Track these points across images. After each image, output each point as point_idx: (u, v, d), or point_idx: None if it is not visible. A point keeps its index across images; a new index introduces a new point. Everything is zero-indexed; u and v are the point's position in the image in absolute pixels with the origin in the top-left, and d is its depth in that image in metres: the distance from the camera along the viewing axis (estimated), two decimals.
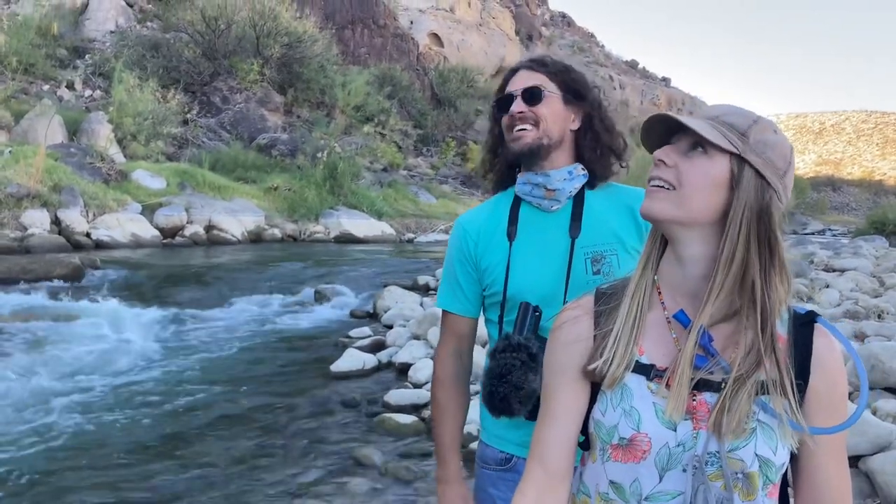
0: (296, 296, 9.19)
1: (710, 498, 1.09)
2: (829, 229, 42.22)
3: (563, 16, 61.92)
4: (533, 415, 1.49)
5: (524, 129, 1.64)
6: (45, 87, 19.20)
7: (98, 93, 19.88)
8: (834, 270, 9.73)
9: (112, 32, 22.84)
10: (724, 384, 1.10)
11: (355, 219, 16.96)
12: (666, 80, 57.73)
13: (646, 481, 1.14)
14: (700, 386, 1.11)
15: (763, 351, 1.09)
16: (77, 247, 11.89)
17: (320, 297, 9.05)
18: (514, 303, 1.64)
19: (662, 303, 1.19)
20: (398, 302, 7.95)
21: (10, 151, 13.58)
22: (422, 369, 5.37)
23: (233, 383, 5.58)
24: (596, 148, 1.69)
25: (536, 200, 1.68)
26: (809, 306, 6.62)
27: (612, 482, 1.17)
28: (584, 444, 1.24)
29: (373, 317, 8.08)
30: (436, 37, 36.27)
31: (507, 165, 1.73)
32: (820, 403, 1.13)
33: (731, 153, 1.09)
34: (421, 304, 7.90)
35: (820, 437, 1.11)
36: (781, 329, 1.14)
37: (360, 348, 6.32)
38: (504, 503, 1.69)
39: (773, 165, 1.12)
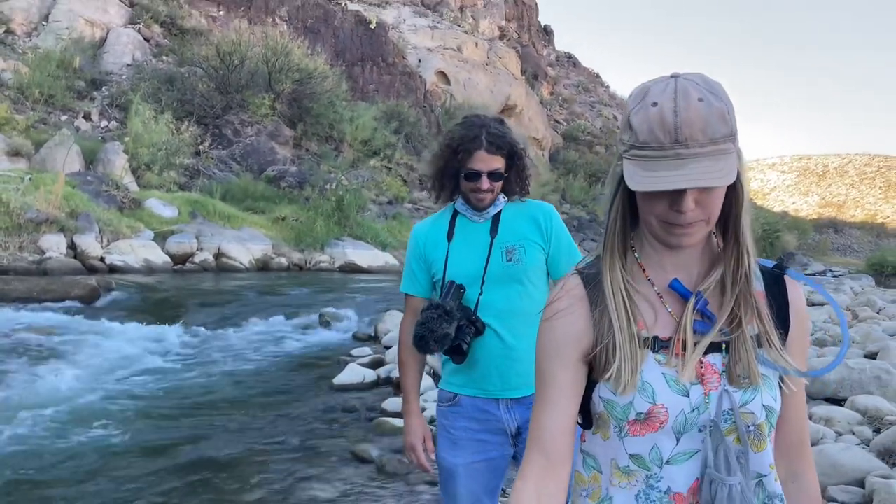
0: (301, 319, 9.62)
1: (730, 455, 1.14)
2: (830, 270, 42.48)
3: (569, 56, 62.78)
4: (451, 353, 2.26)
5: (486, 195, 2.31)
6: (64, 118, 19.84)
7: (114, 123, 20.52)
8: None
9: (129, 66, 23.54)
10: (725, 343, 1.17)
11: (360, 249, 17.40)
12: None
13: (665, 446, 1.18)
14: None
15: (754, 309, 1.18)
16: (91, 270, 12.34)
17: (324, 321, 9.49)
18: (451, 281, 2.35)
19: (649, 279, 1.23)
20: (399, 325, 8.38)
21: (30, 178, 14.14)
22: None
23: (239, 393, 6.01)
24: (514, 185, 2.39)
25: (470, 215, 2.39)
26: None
27: (631, 455, 1.20)
28: (585, 422, 1.28)
29: (374, 339, 8.51)
30: (443, 75, 37.04)
31: (452, 191, 2.40)
32: (797, 349, 1.23)
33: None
34: None
35: (795, 379, 1.21)
36: (758, 284, 1.21)
37: (361, 364, 6.76)
38: (452, 429, 2.35)
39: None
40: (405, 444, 2.46)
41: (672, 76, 1.13)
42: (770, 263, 1.25)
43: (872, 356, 6.13)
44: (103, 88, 22.04)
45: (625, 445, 1.20)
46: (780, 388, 1.21)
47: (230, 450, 4.62)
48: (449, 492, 2.35)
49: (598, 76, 62.84)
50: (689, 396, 1.16)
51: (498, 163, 2.28)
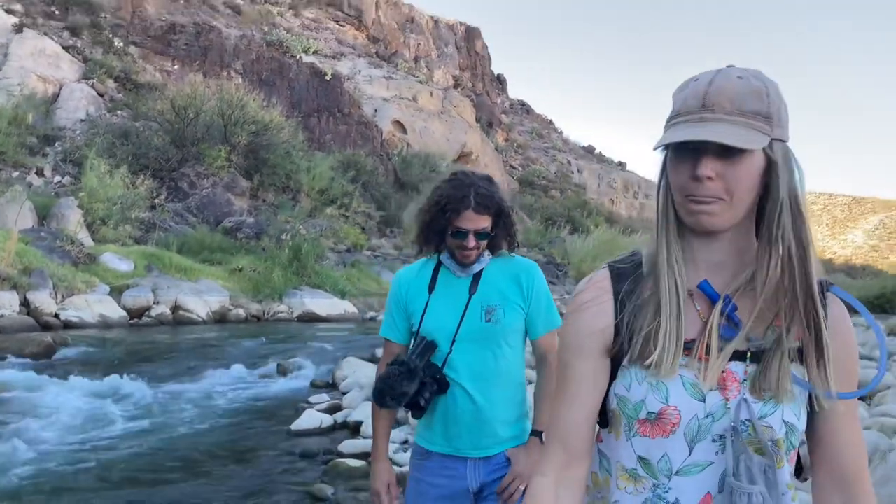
0: (259, 369, 9.65)
1: (752, 466, 1.09)
2: None
3: (523, 104, 64.10)
4: (410, 408, 2.30)
5: (472, 252, 2.33)
6: (16, 174, 19.69)
7: (67, 179, 20.41)
8: None
9: (82, 121, 23.52)
10: (749, 352, 1.12)
11: (318, 298, 17.43)
12: (622, 165, 59.82)
13: (675, 455, 1.14)
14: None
15: (804, 320, 1.11)
16: (46, 327, 12.19)
17: (283, 370, 9.53)
18: (422, 338, 2.38)
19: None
20: (355, 371, 8.49)
21: None
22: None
23: (197, 444, 6.04)
24: (501, 241, 2.41)
25: (453, 269, 2.41)
26: None
27: (640, 458, 1.17)
28: (602, 421, 1.25)
29: (332, 386, 8.58)
30: (399, 124, 37.59)
31: (437, 245, 2.42)
32: (837, 369, 1.13)
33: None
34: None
35: (838, 401, 1.14)
36: (819, 303, 1.13)
37: (319, 410, 6.86)
38: (421, 482, 2.41)
39: (787, 121, 1.13)
40: (371, 489, 2.49)
41: (727, 66, 1.15)
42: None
43: None
44: (56, 144, 21.95)
45: (633, 445, 1.17)
46: (813, 409, 1.16)
47: (188, 499, 4.68)
48: None
49: (551, 122, 64.15)
50: (704, 402, 1.12)
51: (485, 222, 2.30)
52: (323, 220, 23.97)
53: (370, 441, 5.48)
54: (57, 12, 28.25)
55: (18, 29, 25.17)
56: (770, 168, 1.11)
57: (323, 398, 7.64)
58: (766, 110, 1.09)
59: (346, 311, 17.66)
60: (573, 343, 1.23)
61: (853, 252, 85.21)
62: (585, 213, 41.00)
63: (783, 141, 1.12)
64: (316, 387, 8.66)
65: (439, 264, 2.43)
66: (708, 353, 1.12)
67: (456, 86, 49.91)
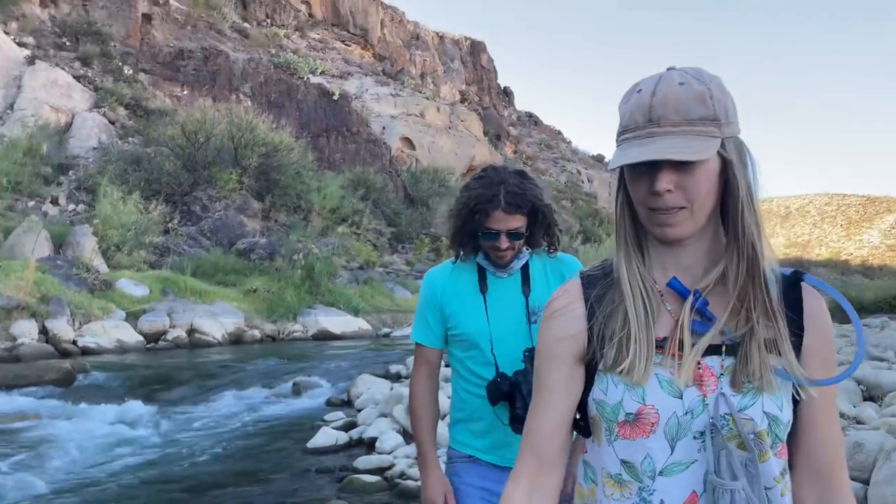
0: (275, 389, 9.74)
1: (733, 461, 1.07)
2: None
3: (530, 115, 64.23)
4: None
5: (506, 253, 2.22)
6: (31, 204, 19.97)
7: (82, 207, 20.68)
8: None
9: (95, 149, 23.82)
10: (724, 345, 1.12)
11: (332, 316, 17.54)
12: None
13: (658, 455, 1.12)
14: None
15: (768, 311, 1.12)
16: (64, 354, 12.33)
17: (298, 389, 9.62)
18: (478, 340, 2.23)
19: (651, 277, 1.20)
20: (370, 388, 8.56)
21: None
22: (387, 440, 6.05)
23: (214, 465, 6.13)
24: (539, 239, 2.30)
25: (494, 270, 2.30)
26: None
27: (623, 461, 1.15)
28: (586, 430, 1.24)
29: (347, 404, 8.66)
30: (407, 140, 37.79)
31: (473, 248, 2.31)
32: (814, 358, 1.14)
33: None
34: (391, 389, 8.50)
35: (814, 392, 1.13)
36: (771, 290, 1.14)
37: (335, 428, 6.94)
38: (462, 484, 2.28)
39: (735, 116, 1.13)
40: (424, 501, 2.32)
41: (667, 69, 1.15)
42: (788, 271, 1.19)
43: None
44: (70, 172, 22.25)
45: (615, 450, 1.16)
46: (797, 401, 1.15)
47: None
48: None
49: (559, 133, 64.21)
50: (682, 399, 1.11)
51: (517, 221, 2.17)
52: (335, 239, 24.12)
53: (386, 457, 5.63)
54: (68, 43, 28.70)
55: (31, 61, 25.58)
56: (726, 166, 1.12)
57: (338, 416, 7.72)
58: (712, 114, 1.09)
59: (361, 328, 17.77)
60: (546, 351, 1.23)
61: (870, 252, 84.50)
62: (597, 223, 41.02)
63: (734, 136, 1.13)
64: (332, 405, 8.74)
65: (482, 268, 2.30)
66: (681, 349, 1.12)
67: (463, 100, 50.15)
